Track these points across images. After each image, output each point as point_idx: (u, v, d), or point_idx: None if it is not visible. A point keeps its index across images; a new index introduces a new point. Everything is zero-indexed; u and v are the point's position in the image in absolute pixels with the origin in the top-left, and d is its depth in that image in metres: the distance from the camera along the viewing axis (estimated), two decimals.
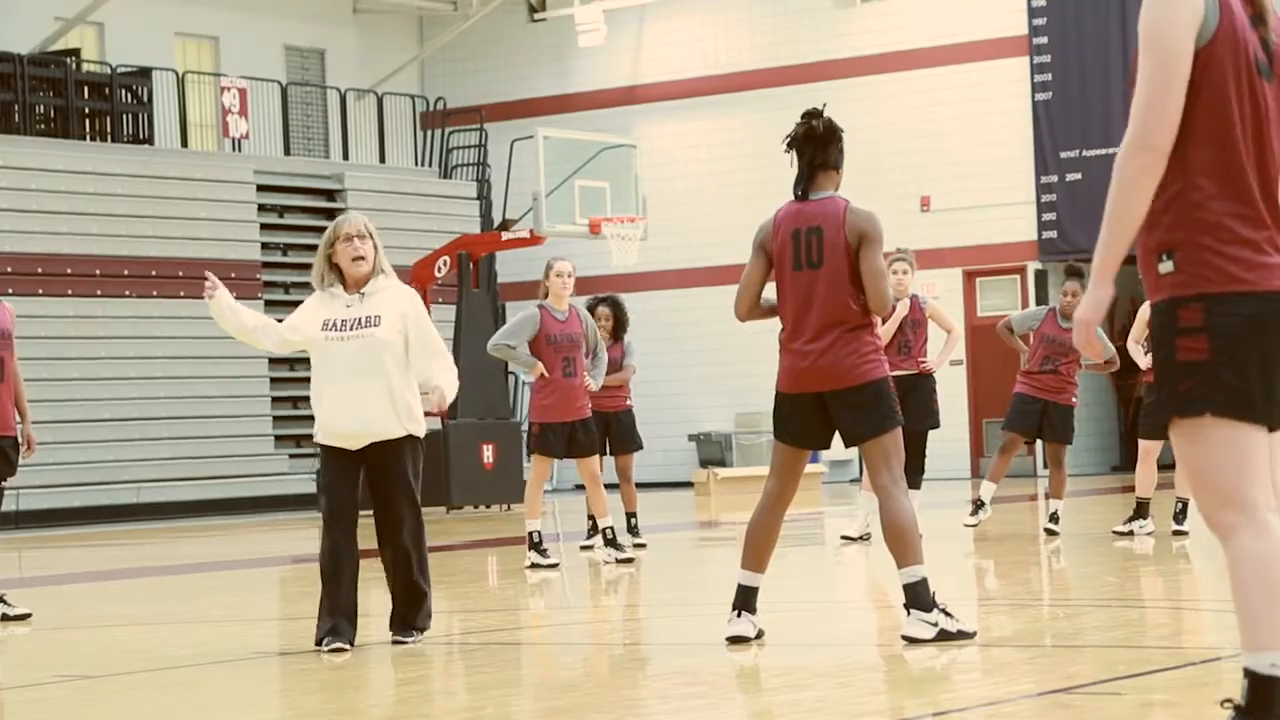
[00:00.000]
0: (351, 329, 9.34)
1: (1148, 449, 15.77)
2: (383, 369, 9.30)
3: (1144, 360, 15.67)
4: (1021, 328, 16.37)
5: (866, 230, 8.82)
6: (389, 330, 9.34)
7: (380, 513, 9.43)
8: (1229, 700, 4.92)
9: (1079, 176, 30.64)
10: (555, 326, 14.68)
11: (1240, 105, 4.83)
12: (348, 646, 9.25)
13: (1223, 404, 4.77)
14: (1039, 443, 16.67)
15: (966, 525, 16.10)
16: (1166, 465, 15.81)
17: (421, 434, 9.47)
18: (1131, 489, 16.10)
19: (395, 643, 9.43)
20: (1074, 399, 16.17)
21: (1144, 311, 15.84)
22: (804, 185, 8.94)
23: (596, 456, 15.06)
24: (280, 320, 9.77)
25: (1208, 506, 4.85)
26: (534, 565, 14.62)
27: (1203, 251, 4.79)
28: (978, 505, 16.12)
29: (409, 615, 9.49)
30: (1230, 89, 4.82)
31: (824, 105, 9.10)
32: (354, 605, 9.40)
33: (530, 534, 14.72)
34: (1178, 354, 4.81)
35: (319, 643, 9.28)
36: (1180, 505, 15.54)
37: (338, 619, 9.33)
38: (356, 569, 9.43)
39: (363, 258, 9.41)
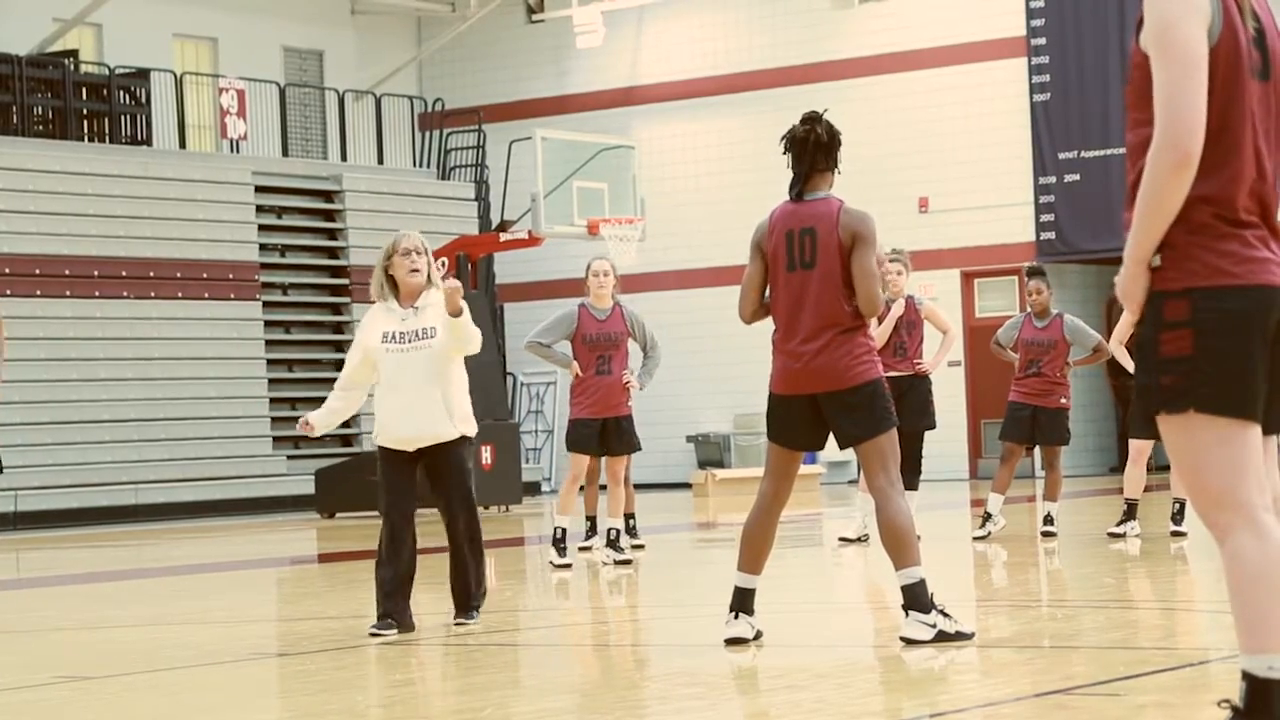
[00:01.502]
0: (410, 341, 10.10)
1: (1139, 449, 15.80)
2: (440, 378, 10.11)
3: (1130, 363, 15.71)
4: (1007, 339, 16.37)
5: (859, 230, 8.82)
6: (444, 342, 10.07)
7: (442, 506, 10.25)
8: (1226, 701, 4.93)
9: (1077, 178, 30.66)
10: (593, 326, 14.74)
11: (1239, 107, 4.83)
12: (391, 633, 9.95)
13: (1206, 400, 4.75)
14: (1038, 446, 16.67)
15: (976, 538, 16.07)
16: (1162, 466, 15.84)
17: (473, 433, 10.33)
18: None
19: (457, 624, 10.18)
20: (1063, 400, 16.16)
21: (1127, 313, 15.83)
22: (800, 187, 8.94)
23: (625, 458, 15.11)
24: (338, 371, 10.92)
25: (1202, 506, 4.84)
26: (554, 565, 14.66)
27: (1191, 248, 4.78)
28: (986, 517, 16.10)
29: (464, 599, 10.23)
30: (1231, 91, 4.81)
31: (825, 110, 9.10)
32: (407, 591, 10.13)
33: (555, 530, 14.77)
34: (1161, 348, 4.80)
35: (375, 627, 10.03)
36: (1177, 506, 15.55)
37: (390, 604, 10.06)
38: (412, 559, 10.16)
39: (418, 270, 10.19)
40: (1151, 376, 4.82)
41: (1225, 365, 4.75)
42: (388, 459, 10.17)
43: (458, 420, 10.17)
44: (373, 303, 10.42)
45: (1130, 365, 15.69)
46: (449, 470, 10.17)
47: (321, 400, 32.94)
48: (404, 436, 10.11)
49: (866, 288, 8.80)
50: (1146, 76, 4.83)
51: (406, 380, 10.06)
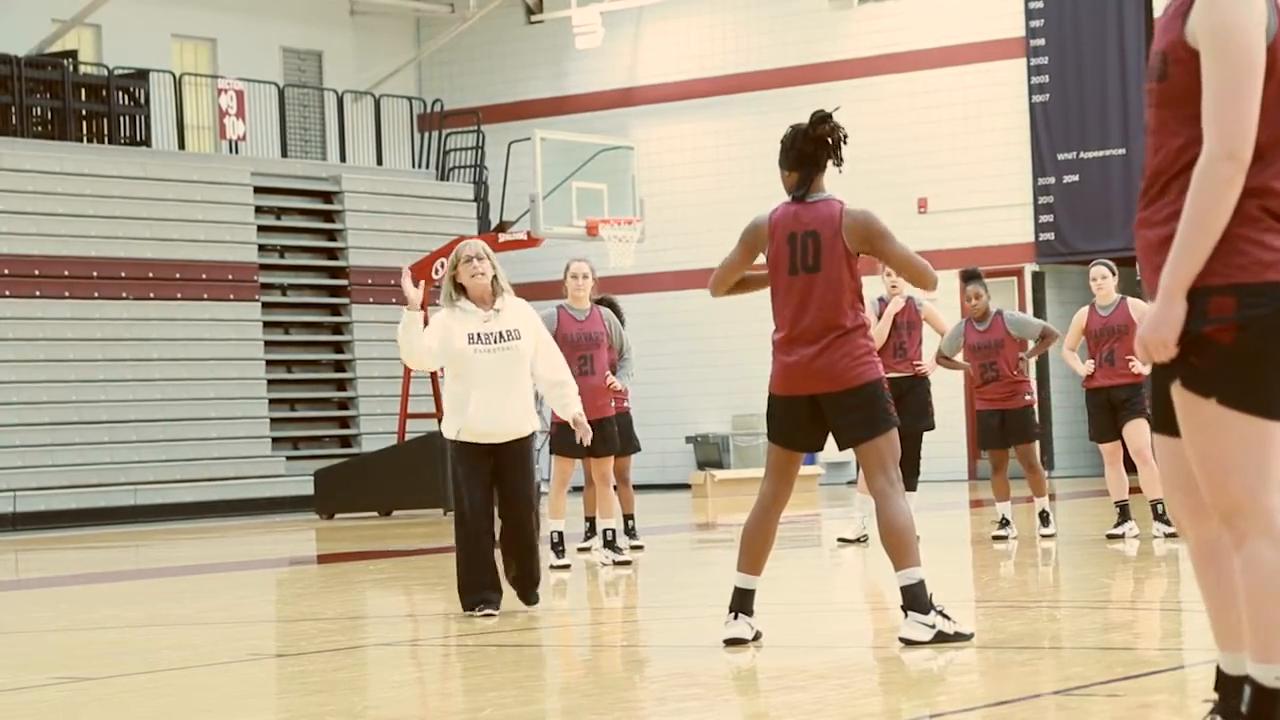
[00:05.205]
0: (496, 341, 10.76)
1: (1108, 453, 15.79)
2: (522, 377, 10.87)
3: (1081, 368, 15.70)
4: (951, 349, 16.27)
5: (868, 233, 8.78)
6: (528, 344, 10.86)
7: (508, 497, 10.88)
8: (1209, 700, 4.92)
9: (1076, 178, 30.65)
10: (572, 326, 14.74)
11: None
12: (496, 612, 10.81)
13: (1234, 396, 4.65)
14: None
15: (995, 537, 16.04)
16: (1128, 471, 15.87)
17: (538, 429, 11.18)
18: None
19: (530, 603, 11.03)
20: (1028, 398, 16.12)
21: (1078, 319, 15.83)
22: (805, 188, 8.91)
23: (611, 458, 15.10)
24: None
25: (1221, 508, 4.73)
26: (552, 567, 14.67)
27: (1238, 241, 4.66)
28: (1004, 522, 16.09)
29: (532, 582, 11.03)
30: None
31: (836, 108, 9.07)
32: (496, 576, 10.91)
33: (551, 534, 14.75)
34: (1203, 332, 4.67)
35: (472, 608, 10.85)
36: (1160, 508, 15.51)
37: (484, 590, 10.85)
38: (494, 546, 10.91)
39: (482, 274, 10.81)
40: (1183, 353, 4.68)
41: (1263, 364, 4.65)
42: (467, 454, 10.78)
43: (532, 417, 10.94)
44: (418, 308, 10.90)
45: (1081, 370, 15.72)
46: (523, 463, 10.88)
47: (322, 401, 32.77)
48: (489, 431, 10.75)
49: (911, 269, 8.85)
50: (1190, 74, 4.71)
51: (496, 379, 10.73)
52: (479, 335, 10.76)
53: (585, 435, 11.40)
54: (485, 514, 10.83)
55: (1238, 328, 4.65)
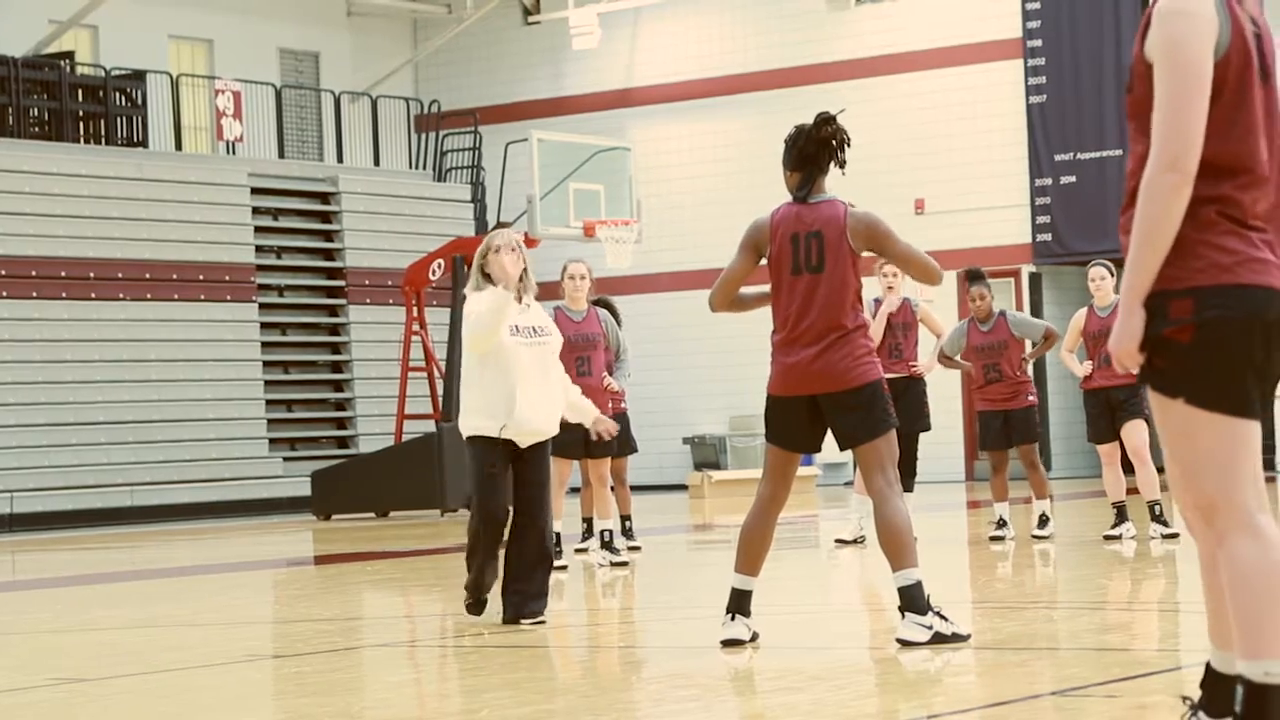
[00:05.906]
0: (532, 335, 10.38)
1: (1105, 454, 15.79)
2: (555, 375, 10.49)
3: (1079, 369, 15.71)
4: (954, 349, 16.28)
5: (873, 233, 8.80)
6: (556, 342, 10.53)
7: (530, 499, 10.39)
8: (1187, 698, 4.94)
9: (1073, 179, 30.66)
10: (569, 327, 14.72)
11: (1251, 110, 4.81)
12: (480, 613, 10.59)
13: (1201, 396, 4.73)
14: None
15: (992, 538, 16.04)
16: (1126, 472, 15.86)
17: None
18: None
19: (536, 622, 10.30)
20: (1030, 398, 16.14)
21: (1076, 320, 15.85)
22: (808, 189, 8.91)
23: (608, 459, 15.09)
24: None
25: (1199, 508, 4.80)
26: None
27: (1196, 245, 4.76)
28: (1001, 523, 16.09)
29: (544, 593, 10.42)
30: (1243, 95, 4.79)
31: (841, 110, 9.09)
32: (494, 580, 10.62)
33: None
34: (1163, 336, 4.77)
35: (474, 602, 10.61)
36: (1158, 509, 15.50)
37: (489, 590, 10.59)
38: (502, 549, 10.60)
39: (514, 265, 10.32)
40: (1150, 357, 4.79)
41: (1225, 363, 4.73)
42: (498, 452, 10.28)
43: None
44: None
45: (1079, 371, 15.72)
46: (545, 465, 10.47)
47: (319, 402, 32.68)
48: (540, 429, 10.34)
49: (917, 263, 8.84)
50: (1149, 87, 4.81)
51: (534, 374, 10.32)
52: (518, 328, 10.34)
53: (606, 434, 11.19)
54: (507, 516, 10.52)
55: (1194, 328, 4.73)
